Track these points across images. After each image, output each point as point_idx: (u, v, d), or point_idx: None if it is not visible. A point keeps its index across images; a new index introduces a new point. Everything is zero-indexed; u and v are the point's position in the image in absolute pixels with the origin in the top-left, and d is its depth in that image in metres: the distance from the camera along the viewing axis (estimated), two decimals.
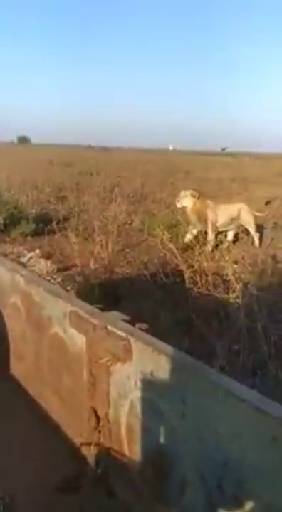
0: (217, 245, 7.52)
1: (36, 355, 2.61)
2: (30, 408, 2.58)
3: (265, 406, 1.34)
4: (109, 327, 1.95)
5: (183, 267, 5.20)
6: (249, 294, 4.29)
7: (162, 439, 1.74)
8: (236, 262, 5.77)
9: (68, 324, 2.22)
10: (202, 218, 7.53)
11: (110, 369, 1.96)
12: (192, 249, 6.68)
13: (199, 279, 4.97)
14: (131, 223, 9.51)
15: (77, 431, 2.22)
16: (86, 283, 5.59)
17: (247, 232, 8.05)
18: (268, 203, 10.41)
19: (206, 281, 4.97)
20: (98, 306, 2.20)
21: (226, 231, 7.99)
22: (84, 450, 2.16)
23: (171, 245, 5.79)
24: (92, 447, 2.10)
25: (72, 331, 2.20)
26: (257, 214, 8.17)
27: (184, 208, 7.79)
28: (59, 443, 2.32)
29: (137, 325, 1.96)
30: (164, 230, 7.79)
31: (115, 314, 2.08)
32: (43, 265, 6.27)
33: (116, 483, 2.01)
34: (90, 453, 2.12)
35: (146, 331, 1.92)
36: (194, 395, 1.57)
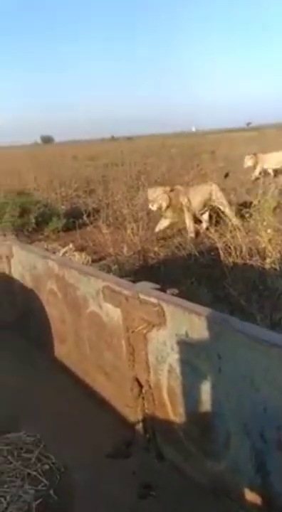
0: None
1: (76, 335, 2.69)
2: (77, 386, 2.68)
3: None
4: (141, 296, 1.99)
5: (216, 238, 5.17)
6: None
7: (202, 397, 1.77)
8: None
9: (102, 300, 2.29)
10: (178, 208, 6.96)
11: (147, 336, 2.01)
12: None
13: (233, 250, 4.94)
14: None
15: (122, 401, 2.29)
16: (121, 270, 5.66)
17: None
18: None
19: (241, 251, 4.93)
20: (129, 278, 2.26)
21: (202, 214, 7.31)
22: (131, 418, 2.23)
23: (203, 220, 5.71)
24: (138, 414, 2.16)
25: (107, 305, 2.26)
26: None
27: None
28: (107, 414, 2.40)
29: (168, 291, 2.00)
30: None
31: (145, 284, 2.13)
32: (78, 258, 6.40)
33: (164, 445, 2.07)
34: (137, 420, 2.19)
35: (177, 295, 1.95)
36: (228, 348, 1.59)
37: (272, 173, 12.75)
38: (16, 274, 3.45)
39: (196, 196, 7.17)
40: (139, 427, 2.19)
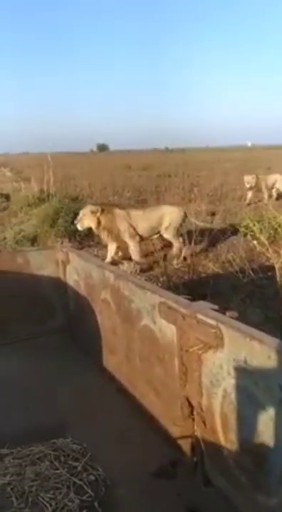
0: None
1: (127, 347, 2.69)
2: (125, 399, 2.67)
3: None
4: (199, 316, 1.96)
5: (273, 258, 5.03)
6: None
7: (258, 427, 1.71)
8: None
9: (157, 315, 2.27)
10: (114, 232, 6.57)
11: (202, 358, 1.98)
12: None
13: None
14: (211, 222, 9.44)
15: (171, 420, 2.26)
16: (170, 282, 5.64)
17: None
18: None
19: None
20: (187, 296, 2.23)
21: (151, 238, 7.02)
22: (178, 438, 2.19)
23: (262, 238, 5.58)
24: (186, 435, 2.13)
25: (162, 321, 2.24)
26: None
27: (89, 229, 6.79)
28: (154, 431, 2.38)
29: (228, 313, 1.95)
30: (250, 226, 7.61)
31: (203, 304, 2.10)
32: (127, 266, 6.44)
33: (212, 471, 2.01)
34: (184, 441, 2.15)
35: (236, 319, 1.91)
36: None
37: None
38: (70, 280, 3.52)
39: (143, 221, 6.73)
40: (187, 448, 2.15)
